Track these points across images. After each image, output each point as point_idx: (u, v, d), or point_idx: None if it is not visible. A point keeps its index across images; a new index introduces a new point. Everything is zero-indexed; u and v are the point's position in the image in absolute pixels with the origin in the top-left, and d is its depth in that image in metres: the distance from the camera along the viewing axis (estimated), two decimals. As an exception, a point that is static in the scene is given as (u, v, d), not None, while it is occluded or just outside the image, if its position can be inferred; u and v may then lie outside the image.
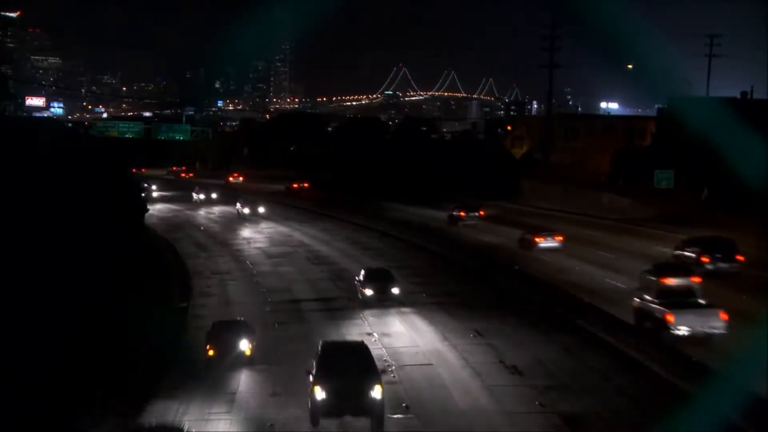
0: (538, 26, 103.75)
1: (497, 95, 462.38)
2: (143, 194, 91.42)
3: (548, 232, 57.33)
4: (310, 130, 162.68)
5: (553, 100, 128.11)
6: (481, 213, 74.45)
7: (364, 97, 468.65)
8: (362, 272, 42.06)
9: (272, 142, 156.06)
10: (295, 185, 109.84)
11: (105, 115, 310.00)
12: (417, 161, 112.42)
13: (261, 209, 79.20)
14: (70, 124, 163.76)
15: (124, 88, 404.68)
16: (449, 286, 45.41)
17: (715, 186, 67.20)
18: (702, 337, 30.81)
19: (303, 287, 46.47)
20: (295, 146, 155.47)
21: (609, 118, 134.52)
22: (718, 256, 43.60)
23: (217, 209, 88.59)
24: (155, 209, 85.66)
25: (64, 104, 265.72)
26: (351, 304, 40.92)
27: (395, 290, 40.21)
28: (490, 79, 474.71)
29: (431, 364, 30.10)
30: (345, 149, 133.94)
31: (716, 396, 21.93)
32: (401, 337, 34.61)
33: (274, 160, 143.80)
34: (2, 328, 24.94)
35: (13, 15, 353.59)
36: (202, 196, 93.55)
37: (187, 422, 23.33)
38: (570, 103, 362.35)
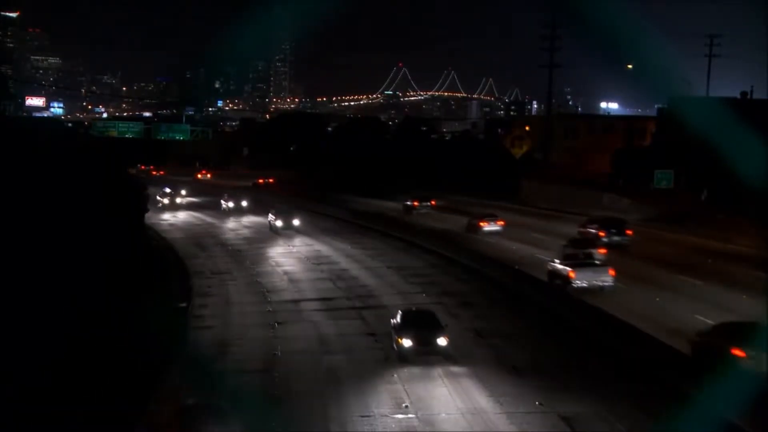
0: (538, 26, 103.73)
1: (497, 95, 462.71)
2: (165, 200, 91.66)
3: (492, 217, 64.33)
4: (310, 130, 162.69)
5: (553, 100, 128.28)
6: (433, 203, 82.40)
7: (364, 97, 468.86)
8: (398, 315, 31.73)
9: (272, 142, 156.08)
10: (260, 180, 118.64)
11: (105, 115, 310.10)
12: (416, 161, 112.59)
13: (296, 222, 68.65)
14: (70, 124, 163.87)
15: (124, 88, 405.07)
16: (403, 260, 53.23)
17: (715, 186, 67.18)
18: (596, 289, 39.41)
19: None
20: (295, 146, 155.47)
21: (609, 118, 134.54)
22: (613, 231, 53.83)
23: (246, 220, 79.23)
24: (178, 218, 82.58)
25: (64, 104, 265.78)
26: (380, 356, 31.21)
27: (442, 342, 29.77)
28: (490, 79, 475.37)
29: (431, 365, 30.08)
30: (344, 149, 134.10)
31: (716, 396, 21.93)
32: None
33: (274, 160, 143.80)
34: (2, 328, 24.94)
35: (13, 15, 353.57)
36: (231, 204, 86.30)
37: None
38: (570, 103, 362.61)
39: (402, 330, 30.18)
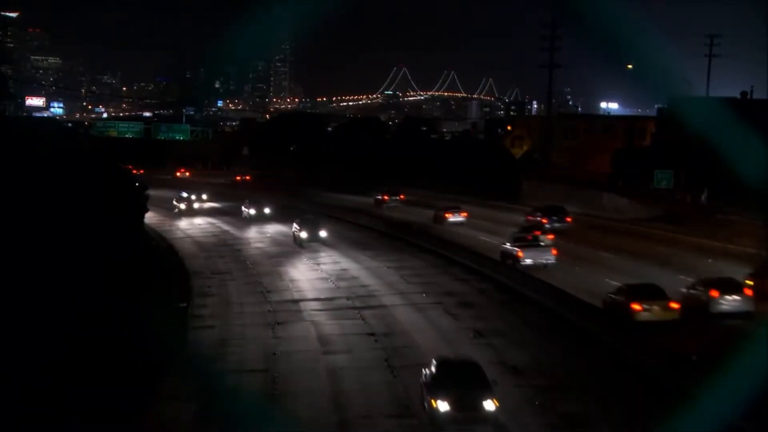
0: (538, 26, 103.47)
1: (497, 95, 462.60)
2: (182, 206, 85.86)
3: (456, 209, 70.91)
4: (310, 130, 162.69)
5: (553, 100, 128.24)
6: (402, 197, 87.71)
7: (364, 97, 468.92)
8: (433, 365, 24.92)
9: (272, 142, 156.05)
10: (238, 178, 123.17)
11: (105, 115, 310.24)
12: (416, 161, 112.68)
13: (323, 233, 59.88)
14: (70, 124, 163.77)
15: (124, 88, 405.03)
16: (374, 246, 59.85)
17: (715, 186, 67.14)
18: (541, 266, 46.23)
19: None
20: (295, 146, 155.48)
21: (609, 118, 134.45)
22: (554, 218, 62.20)
23: (270, 229, 70.40)
24: (194, 225, 76.43)
25: (64, 104, 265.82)
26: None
27: (489, 406, 22.99)
28: (490, 79, 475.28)
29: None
30: (344, 149, 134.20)
31: (716, 396, 21.95)
32: None
33: (274, 160, 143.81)
34: (2, 328, 24.94)
35: (13, 15, 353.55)
36: (252, 212, 77.75)
37: None
38: (570, 103, 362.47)
39: (436, 389, 23.54)
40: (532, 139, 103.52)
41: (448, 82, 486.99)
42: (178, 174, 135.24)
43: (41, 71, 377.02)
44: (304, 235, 59.00)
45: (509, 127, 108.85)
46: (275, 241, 64.56)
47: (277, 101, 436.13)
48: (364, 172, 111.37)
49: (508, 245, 49.62)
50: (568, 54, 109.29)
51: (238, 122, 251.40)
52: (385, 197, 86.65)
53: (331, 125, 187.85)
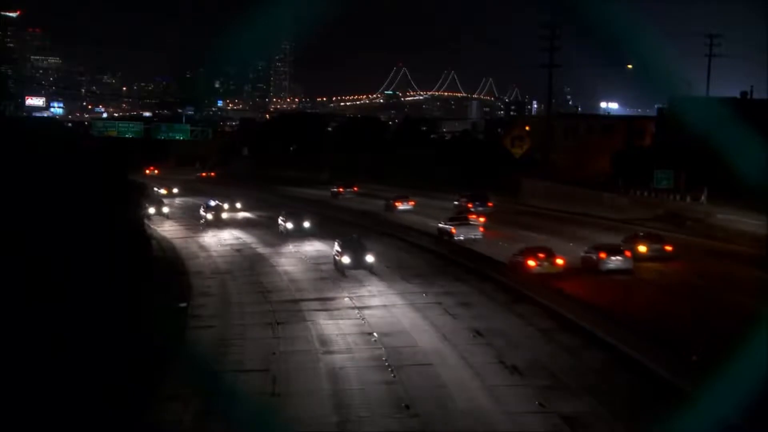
0: (538, 26, 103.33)
1: (497, 95, 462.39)
2: (209, 216, 75.72)
3: (405, 198, 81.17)
4: (310, 130, 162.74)
5: (553, 100, 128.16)
6: (355, 189, 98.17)
7: (364, 97, 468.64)
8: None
9: (272, 142, 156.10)
10: (203, 174, 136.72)
11: (105, 115, 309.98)
12: (416, 160, 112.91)
13: (370, 258, 47.90)
14: (69, 124, 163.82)
15: (124, 88, 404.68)
16: (336, 228, 64.33)
17: (715, 186, 67.12)
18: (470, 240, 57.59)
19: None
20: (295, 146, 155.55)
21: (609, 118, 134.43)
22: (478, 203, 74.30)
23: (311, 250, 58.91)
24: (219, 241, 65.92)
25: (64, 104, 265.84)
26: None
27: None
28: (490, 79, 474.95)
29: (431, 364, 30.11)
30: (344, 149, 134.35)
31: (716, 396, 21.94)
32: None
33: (274, 160, 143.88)
34: (2, 328, 24.94)
35: (13, 15, 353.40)
36: (290, 226, 65.26)
37: None
38: (570, 103, 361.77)
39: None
40: (532, 139, 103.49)
41: (448, 82, 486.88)
42: (147, 171, 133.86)
43: (41, 71, 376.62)
44: (346, 260, 47.45)
45: (517, 131, 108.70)
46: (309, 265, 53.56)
47: (277, 101, 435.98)
48: (390, 173, 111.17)
49: (443, 223, 61.35)
50: (568, 54, 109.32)
51: (238, 122, 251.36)
52: (341, 189, 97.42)
53: (331, 125, 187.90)
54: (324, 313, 39.24)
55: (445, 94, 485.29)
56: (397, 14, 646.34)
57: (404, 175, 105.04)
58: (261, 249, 61.40)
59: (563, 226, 64.83)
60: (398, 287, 44.20)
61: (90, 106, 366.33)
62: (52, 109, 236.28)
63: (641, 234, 51.95)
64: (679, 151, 71.85)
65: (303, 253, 57.94)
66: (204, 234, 70.33)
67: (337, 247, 49.19)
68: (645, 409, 24.62)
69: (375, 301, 41.17)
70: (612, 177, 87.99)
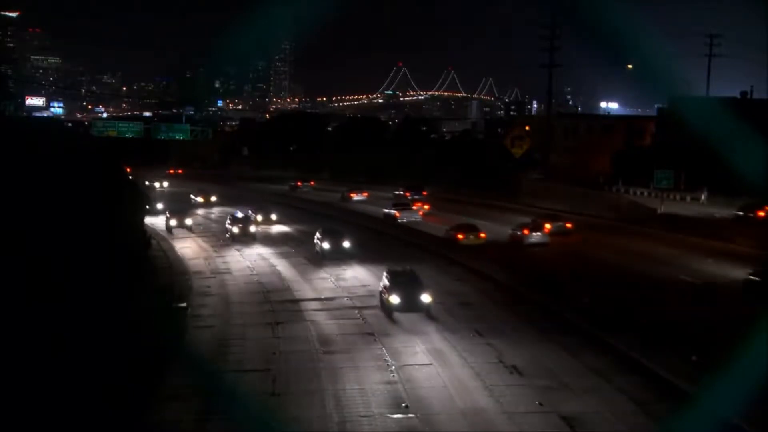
0: (538, 26, 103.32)
1: (497, 95, 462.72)
2: (234, 230, 63.19)
3: (359, 190, 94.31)
4: (310, 130, 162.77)
5: (553, 100, 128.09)
6: (312, 183, 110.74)
7: (364, 97, 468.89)
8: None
9: (272, 142, 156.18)
10: (171, 171, 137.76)
11: (105, 115, 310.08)
12: (415, 160, 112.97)
13: (426, 298, 37.23)
14: (69, 124, 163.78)
15: (124, 88, 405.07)
16: (300, 218, 74.42)
17: (715, 186, 67.19)
18: (413, 222, 69.30)
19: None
20: (295, 146, 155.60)
21: (609, 118, 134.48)
22: (414, 192, 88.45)
23: (348, 275, 48.46)
24: (241, 264, 53.75)
25: (64, 104, 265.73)
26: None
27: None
28: (490, 79, 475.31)
29: (431, 364, 30.13)
30: (344, 149, 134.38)
31: (716, 396, 21.95)
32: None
33: (274, 160, 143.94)
34: (2, 328, 24.94)
35: (13, 15, 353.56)
36: (326, 246, 53.83)
37: None
38: (570, 103, 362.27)
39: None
40: (532, 139, 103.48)
41: (448, 82, 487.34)
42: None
43: (41, 71, 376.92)
44: (394, 300, 36.98)
45: (513, 130, 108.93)
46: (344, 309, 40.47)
47: (277, 101, 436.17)
48: (390, 173, 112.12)
49: (388, 209, 73.80)
50: (568, 54, 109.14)
51: (238, 122, 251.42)
52: (299, 183, 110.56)
53: (332, 125, 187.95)
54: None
55: (445, 94, 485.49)
56: (397, 14, 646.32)
57: (404, 175, 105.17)
58: (288, 276, 49.12)
59: (490, 211, 76.85)
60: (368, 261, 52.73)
61: (90, 106, 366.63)
62: (52, 109, 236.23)
63: (547, 216, 64.57)
64: (679, 151, 71.90)
65: (340, 285, 45.63)
66: (226, 252, 58.86)
67: (385, 278, 38.94)
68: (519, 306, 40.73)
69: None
70: (612, 177, 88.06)
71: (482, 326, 35.32)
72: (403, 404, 25.85)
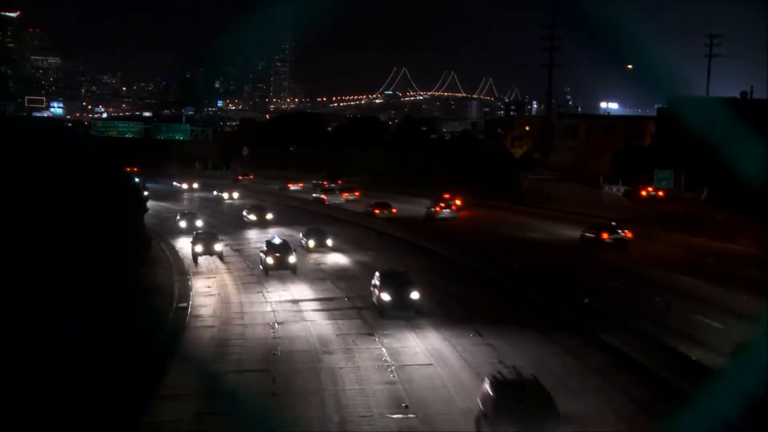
0: (538, 26, 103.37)
1: (497, 95, 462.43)
2: (269, 260, 47.89)
3: (296, 181, 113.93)
4: (310, 130, 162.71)
5: (553, 100, 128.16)
6: (251, 177, 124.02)
7: (364, 97, 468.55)
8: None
9: (272, 142, 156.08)
10: (128, 168, 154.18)
11: (105, 115, 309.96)
12: (415, 160, 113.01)
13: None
14: (69, 124, 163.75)
15: (124, 88, 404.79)
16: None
17: (715, 186, 67.20)
18: (337, 203, 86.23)
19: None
20: (295, 146, 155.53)
21: (609, 118, 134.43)
22: (331, 181, 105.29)
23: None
24: (265, 314, 39.63)
25: (64, 104, 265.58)
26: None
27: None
28: (490, 79, 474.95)
29: (431, 364, 30.12)
30: (344, 149, 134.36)
31: (716, 396, 21.95)
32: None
33: (274, 160, 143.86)
34: (2, 329, 24.94)
35: (13, 15, 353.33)
36: (387, 298, 37.37)
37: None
38: (570, 103, 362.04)
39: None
40: (532, 139, 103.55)
41: (448, 82, 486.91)
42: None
43: (41, 71, 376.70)
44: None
45: (513, 130, 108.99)
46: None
47: (277, 101, 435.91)
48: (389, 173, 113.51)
49: (316, 194, 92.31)
50: (568, 54, 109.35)
51: (238, 122, 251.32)
52: (240, 177, 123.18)
53: (332, 125, 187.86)
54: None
55: (445, 94, 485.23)
56: (397, 14, 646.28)
57: (405, 175, 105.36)
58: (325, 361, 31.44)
59: (409, 197, 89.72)
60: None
61: (90, 106, 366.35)
62: (52, 109, 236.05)
63: (443, 197, 78.07)
64: (679, 151, 71.89)
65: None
66: (256, 294, 44.16)
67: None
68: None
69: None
70: (612, 177, 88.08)
71: (384, 255, 53.46)
72: (403, 404, 25.86)
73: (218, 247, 54.89)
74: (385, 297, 37.10)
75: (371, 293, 39.23)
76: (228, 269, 52.13)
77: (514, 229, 66.33)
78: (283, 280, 46.82)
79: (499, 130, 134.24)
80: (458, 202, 79.40)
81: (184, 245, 59.25)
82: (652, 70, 67.35)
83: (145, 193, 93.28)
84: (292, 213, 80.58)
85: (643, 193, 78.49)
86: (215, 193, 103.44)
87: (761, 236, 48.85)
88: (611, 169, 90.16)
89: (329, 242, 57.60)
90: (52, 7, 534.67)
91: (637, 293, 39.84)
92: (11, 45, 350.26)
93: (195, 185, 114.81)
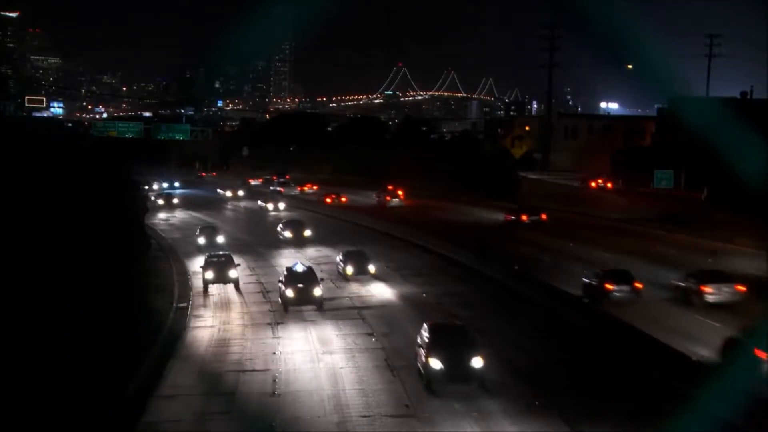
0: (538, 26, 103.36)
1: (497, 95, 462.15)
2: (289, 293, 37.80)
3: (257, 177, 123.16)
4: (310, 130, 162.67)
5: (553, 100, 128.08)
6: (214, 174, 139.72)
7: (364, 97, 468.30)
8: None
9: (272, 142, 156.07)
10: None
11: (105, 115, 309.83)
12: (415, 160, 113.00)
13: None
14: (69, 124, 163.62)
15: (124, 88, 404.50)
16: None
17: (715, 186, 67.13)
18: (293, 195, 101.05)
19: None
20: (295, 146, 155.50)
21: (609, 118, 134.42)
22: (280, 176, 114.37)
23: None
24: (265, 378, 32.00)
25: (64, 104, 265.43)
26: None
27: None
28: (490, 79, 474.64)
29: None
30: (343, 149, 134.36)
31: (715, 396, 21.96)
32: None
33: (274, 160, 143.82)
34: (2, 328, 24.94)
35: (13, 15, 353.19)
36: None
37: None
38: (570, 103, 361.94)
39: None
40: (532, 139, 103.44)
41: (448, 82, 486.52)
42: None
43: (41, 71, 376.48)
44: (435, 366, 27.33)
45: (513, 130, 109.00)
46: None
47: (277, 101, 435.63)
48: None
49: (273, 187, 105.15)
50: (568, 54, 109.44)
51: (238, 122, 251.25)
52: (202, 174, 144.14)
53: (332, 125, 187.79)
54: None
55: (445, 94, 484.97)
56: (397, 14, 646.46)
57: (404, 175, 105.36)
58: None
59: (359, 190, 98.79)
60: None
61: (90, 106, 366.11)
62: (52, 109, 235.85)
63: (387, 188, 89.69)
64: (679, 151, 71.84)
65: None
66: (261, 343, 34.66)
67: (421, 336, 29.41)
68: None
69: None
70: (611, 177, 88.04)
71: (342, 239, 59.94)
72: (404, 404, 25.86)
73: (233, 273, 45.48)
74: (435, 364, 27.07)
75: (415, 354, 29.14)
76: (243, 301, 43.01)
77: (450, 214, 78.32)
78: (304, 320, 37.84)
79: (499, 130, 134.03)
80: (400, 192, 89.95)
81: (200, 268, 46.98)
82: (652, 70, 67.40)
83: (175, 200, 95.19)
84: (341, 228, 69.47)
85: (593, 184, 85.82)
86: (259, 203, 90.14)
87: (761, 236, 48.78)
88: (611, 169, 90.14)
89: (372, 268, 46.31)
90: (52, 7, 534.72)
91: (535, 257, 50.86)
92: (11, 45, 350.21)
93: (240, 193, 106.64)
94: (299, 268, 41.22)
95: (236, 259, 47.66)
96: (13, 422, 22.18)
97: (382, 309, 39.65)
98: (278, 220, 71.30)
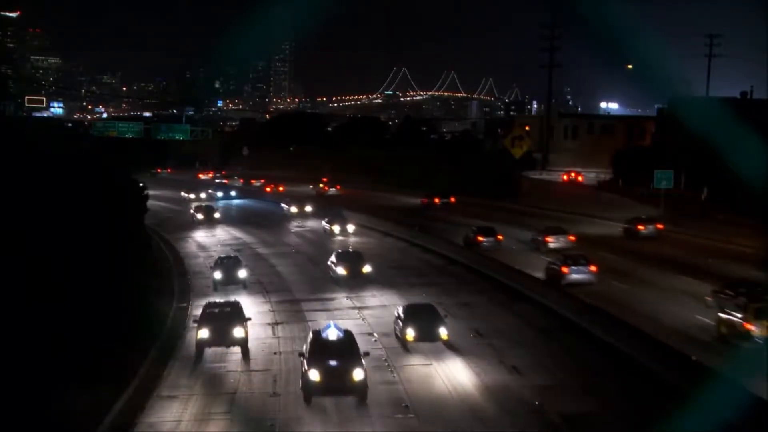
0: (538, 26, 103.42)
1: (497, 95, 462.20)
2: (312, 376, 23.49)
3: (225, 175, 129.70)
4: (310, 130, 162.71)
5: (553, 100, 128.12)
6: (169, 170, 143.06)
7: (364, 97, 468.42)
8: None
9: (272, 142, 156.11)
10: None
11: (105, 115, 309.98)
12: (415, 160, 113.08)
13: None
14: (69, 124, 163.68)
15: (124, 88, 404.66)
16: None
17: (715, 186, 67.15)
18: (256, 188, 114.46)
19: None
20: (295, 146, 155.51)
21: (609, 118, 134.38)
22: (219, 174, 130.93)
23: None
24: None
25: (63, 104, 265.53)
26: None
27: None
28: (490, 79, 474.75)
29: (431, 364, 30.11)
30: (343, 149, 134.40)
31: (715, 396, 21.96)
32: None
33: (274, 160, 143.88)
34: (3, 327, 24.94)
35: (13, 15, 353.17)
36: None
37: None
38: (570, 103, 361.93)
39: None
40: (532, 139, 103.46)
41: (448, 82, 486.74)
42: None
43: (41, 71, 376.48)
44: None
45: (513, 130, 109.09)
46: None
47: (277, 101, 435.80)
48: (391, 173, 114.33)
49: (218, 180, 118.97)
50: (568, 54, 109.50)
51: (238, 122, 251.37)
52: (158, 170, 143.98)
53: (331, 125, 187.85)
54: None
55: (445, 94, 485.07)
56: (397, 14, 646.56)
57: (404, 174, 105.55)
58: None
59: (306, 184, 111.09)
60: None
61: (90, 106, 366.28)
62: (52, 109, 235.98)
63: (323, 182, 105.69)
64: (679, 151, 71.82)
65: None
66: (263, 347, 33.46)
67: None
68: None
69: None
70: (611, 177, 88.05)
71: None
72: (403, 404, 25.87)
73: (238, 332, 32.26)
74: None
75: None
76: (248, 380, 29.27)
77: (380, 200, 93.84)
78: (304, 319, 36.23)
79: (499, 130, 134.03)
80: (338, 186, 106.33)
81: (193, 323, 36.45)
82: (652, 70, 67.37)
83: (216, 215, 76.63)
84: (422, 264, 52.84)
85: (565, 177, 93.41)
86: (323, 224, 67.51)
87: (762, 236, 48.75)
88: (611, 169, 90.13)
89: (444, 333, 32.22)
90: (52, 7, 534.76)
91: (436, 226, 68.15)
92: (11, 45, 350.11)
93: (308, 208, 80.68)
94: (331, 336, 27.62)
95: (259, 305, 38.78)
96: (15, 422, 22.19)
97: (378, 307, 39.70)
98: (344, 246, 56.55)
